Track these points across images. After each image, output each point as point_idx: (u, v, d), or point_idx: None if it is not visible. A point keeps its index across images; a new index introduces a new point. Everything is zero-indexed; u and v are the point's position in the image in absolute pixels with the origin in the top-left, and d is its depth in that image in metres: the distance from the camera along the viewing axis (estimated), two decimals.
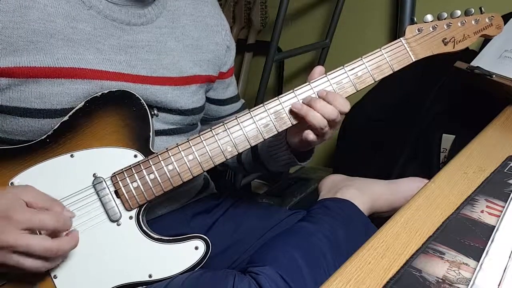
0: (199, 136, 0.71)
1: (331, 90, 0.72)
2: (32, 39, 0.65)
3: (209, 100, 0.93)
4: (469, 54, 1.18)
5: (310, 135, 0.71)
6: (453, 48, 0.77)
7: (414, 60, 0.75)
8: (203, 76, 0.85)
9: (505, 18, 1.08)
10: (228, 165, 0.98)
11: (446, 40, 0.76)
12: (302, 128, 0.72)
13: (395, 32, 1.74)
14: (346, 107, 0.71)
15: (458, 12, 0.76)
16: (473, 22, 0.77)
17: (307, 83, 0.73)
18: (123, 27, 0.73)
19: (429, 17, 0.76)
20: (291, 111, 0.72)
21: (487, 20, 0.78)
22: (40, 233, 0.61)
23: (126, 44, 0.73)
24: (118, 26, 0.73)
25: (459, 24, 0.76)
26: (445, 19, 0.76)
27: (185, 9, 0.83)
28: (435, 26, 0.76)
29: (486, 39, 0.95)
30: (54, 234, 0.62)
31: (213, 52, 0.86)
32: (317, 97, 0.71)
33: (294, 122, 0.72)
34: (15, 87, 0.66)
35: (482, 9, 0.78)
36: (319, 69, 0.74)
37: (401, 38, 0.75)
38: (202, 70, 0.84)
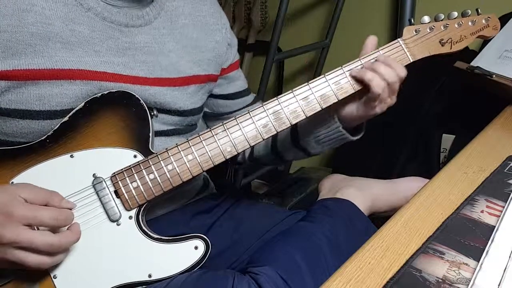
0: (198, 136, 0.71)
1: (329, 91, 0.72)
2: (30, 42, 0.65)
3: (215, 96, 0.93)
4: (469, 54, 1.18)
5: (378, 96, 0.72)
6: (450, 49, 0.77)
7: (411, 60, 0.76)
8: (203, 75, 0.85)
9: (505, 18, 1.08)
10: (259, 160, 0.97)
11: (443, 41, 0.76)
12: (360, 99, 0.74)
13: (395, 33, 1.74)
14: (404, 72, 0.73)
15: (455, 14, 0.76)
16: (469, 23, 0.77)
17: (306, 84, 0.73)
18: (121, 29, 0.73)
19: (426, 19, 0.76)
20: (292, 111, 0.72)
21: (483, 21, 0.78)
22: (39, 229, 0.60)
23: (124, 46, 0.73)
24: (116, 28, 0.73)
25: (456, 25, 0.77)
26: (442, 20, 0.76)
27: (183, 9, 0.83)
28: (432, 27, 0.76)
29: (486, 39, 0.96)
30: (55, 229, 0.62)
31: (214, 51, 0.86)
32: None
33: (293, 122, 0.72)
34: (14, 90, 0.66)
35: (479, 10, 0.78)
36: (371, 39, 0.75)
37: (398, 39, 0.75)
38: (202, 70, 0.84)
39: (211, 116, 0.97)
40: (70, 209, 0.65)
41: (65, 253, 0.65)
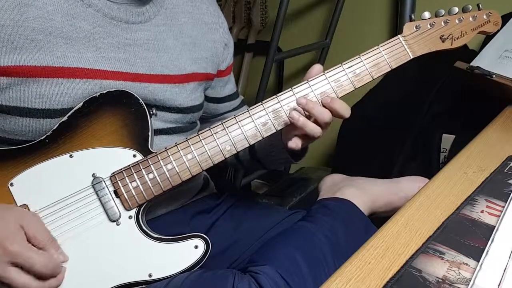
0: (197, 135, 0.71)
1: (328, 89, 0.72)
2: (31, 37, 0.66)
3: (207, 98, 0.93)
4: (469, 54, 1.18)
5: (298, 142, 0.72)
6: (451, 45, 0.76)
7: (412, 57, 0.75)
8: (201, 73, 0.85)
9: (505, 18, 1.08)
10: (227, 163, 0.98)
11: (444, 37, 0.75)
12: (294, 129, 0.72)
13: (395, 32, 1.74)
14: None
15: (456, 9, 0.76)
16: (470, 19, 0.77)
17: (305, 82, 0.73)
18: (121, 25, 0.73)
19: (426, 14, 0.75)
20: (291, 109, 0.72)
21: (484, 16, 0.78)
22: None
23: (124, 42, 0.73)
24: (116, 24, 0.73)
25: (456, 21, 0.76)
26: (442, 16, 0.76)
27: (183, 7, 0.83)
28: (433, 23, 0.75)
29: (487, 38, 0.95)
30: (41, 276, 0.63)
31: (211, 50, 0.87)
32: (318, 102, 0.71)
33: None
34: (15, 87, 0.66)
35: (480, 5, 0.77)
36: (316, 67, 0.73)
37: (398, 36, 0.75)
38: (200, 68, 0.84)
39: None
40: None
41: None
